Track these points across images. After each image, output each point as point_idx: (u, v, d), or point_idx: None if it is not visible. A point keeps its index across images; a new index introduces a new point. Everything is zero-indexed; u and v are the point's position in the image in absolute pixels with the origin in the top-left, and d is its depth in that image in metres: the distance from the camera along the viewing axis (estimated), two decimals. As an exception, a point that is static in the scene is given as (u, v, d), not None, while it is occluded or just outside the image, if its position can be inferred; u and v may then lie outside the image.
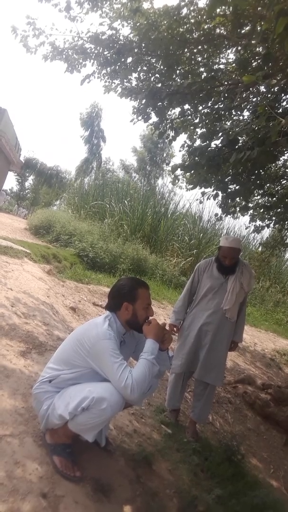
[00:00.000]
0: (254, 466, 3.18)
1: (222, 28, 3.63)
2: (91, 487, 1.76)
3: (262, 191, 5.05)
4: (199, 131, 4.43)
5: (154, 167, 32.15)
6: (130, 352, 2.11)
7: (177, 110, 4.35)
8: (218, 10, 3.36)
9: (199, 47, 3.85)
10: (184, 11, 3.64)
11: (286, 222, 5.71)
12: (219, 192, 4.47)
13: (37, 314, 3.52)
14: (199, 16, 3.63)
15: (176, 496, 2.11)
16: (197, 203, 12.61)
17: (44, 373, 1.94)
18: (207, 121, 4.26)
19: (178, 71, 4.01)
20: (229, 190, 4.38)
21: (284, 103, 3.84)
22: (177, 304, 3.22)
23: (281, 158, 4.67)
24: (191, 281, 3.18)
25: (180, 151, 4.40)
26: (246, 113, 4.41)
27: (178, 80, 4.01)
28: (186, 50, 3.84)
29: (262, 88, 3.70)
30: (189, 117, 4.38)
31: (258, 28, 3.17)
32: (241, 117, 4.45)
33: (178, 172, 4.61)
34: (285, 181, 5.11)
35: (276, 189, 5.17)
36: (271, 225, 5.75)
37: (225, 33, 3.63)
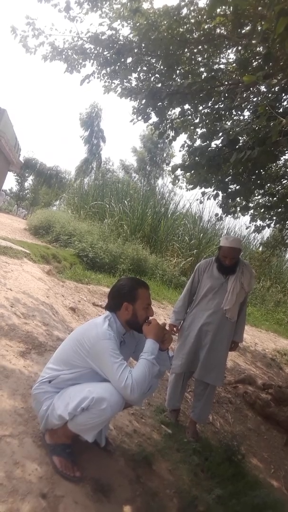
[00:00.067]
0: (254, 466, 3.18)
1: (223, 28, 3.62)
2: (91, 487, 1.76)
3: (262, 191, 5.05)
4: (199, 131, 4.43)
5: (154, 167, 32.16)
6: (130, 352, 2.10)
7: (177, 110, 4.34)
8: (218, 10, 3.35)
9: (199, 47, 3.84)
10: (184, 11, 3.63)
11: (287, 222, 5.71)
12: (220, 192, 4.46)
13: (37, 315, 3.52)
14: (199, 16, 3.62)
15: (176, 496, 2.11)
16: (197, 203, 12.62)
17: (44, 373, 1.94)
18: (207, 121, 4.26)
19: (178, 71, 4.01)
20: (230, 190, 4.38)
21: (285, 103, 3.83)
22: (177, 304, 3.22)
23: (281, 158, 4.66)
24: (191, 281, 3.18)
25: (180, 151, 4.40)
26: (246, 113, 4.41)
27: (178, 80, 4.00)
28: (186, 50, 3.84)
29: (263, 88, 3.70)
30: (189, 117, 4.38)
31: (259, 28, 3.17)
32: (241, 117, 4.44)
33: (178, 172, 4.61)
34: (285, 181, 5.11)
35: (277, 189, 5.17)
36: (272, 225, 5.75)
37: (225, 33, 3.63)
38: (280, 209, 5.07)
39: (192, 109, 4.21)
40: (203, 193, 4.75)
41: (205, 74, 3.88)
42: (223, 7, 3.26)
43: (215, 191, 4.50)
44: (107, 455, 2.07)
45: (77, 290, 5.67)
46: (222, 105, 4.13)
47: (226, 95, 3.90)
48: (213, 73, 3.74)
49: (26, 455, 1.73)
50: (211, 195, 4.66)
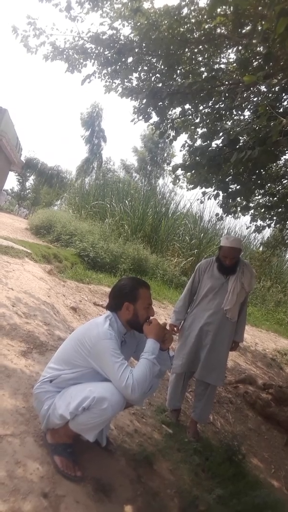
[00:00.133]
0: (255, 466, 3.18)
1: (223, 27, 3.62)
2: (92, 487, 1.76)
3: (263, 190, 5.05)
4: (199, 130, 4.43)
5: (155, 167, 32.15)
6: (131, 352, 2.10)
7: (178, 109, 4.34)
8: (218, 9, 3.35)
9: (200, 46, 3.84)
10: (185, 10, 3.64)
11: (287, 222, 5.71)
12: (220, 192, 4.47)
13: (38, 314, 3.53)
14: (200, 16, 3.62)
15: (177, 496, 2.11)
16: (198, 203, 12.61)
17: (45, 373, 1.94)
18: (207, 120, 4.26)
19: (178, 71, 4.01)
20: (230, 190, 4.38)
21: (285, 102, 3.83)
22: (177, 304, 3.22)
23: (282, 158, 4.66)
24: (191, 281, 3.18)
25: (180, 151, 4.40)
26: (247, 113, 4.41)
27: (179, 80, 4.01)
28: (186, 50, 3.84)
29: (263, 88, 3.70)
30: (190, 117, 4.38)
31: (259, 28, 3.17)
32: (242, 117, 4.44)
33: (179, 172, 4.62)
34: (286, 181, 5.11)
35: (277, 188, 5.17)
36: (272, 225, 5.74)
37: (225, 32, 3.63)
38: (280, 209, 5.07)
39: (192, 109, 4.22)
40: (204, 193, 4.75)
41: (205, 74, 3.88)
42: (224, 7, 3.26)
43: (216, 191, 4.50)
44: (108, 455, 2.07)
45: (78, 289, 5.67)
46: (223, 105, 4.13)
47: (227, 95, 3.90)
48: (213, 73, 3.74)
49: (27, 454, 1.73)
50: (211, 195, 4.66)
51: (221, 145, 3.87)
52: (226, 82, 3.87)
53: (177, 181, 5.15)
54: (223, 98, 4.00)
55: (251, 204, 5.29)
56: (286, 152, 4.18)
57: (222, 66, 4.11)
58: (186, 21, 3.65)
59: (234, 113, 4.37)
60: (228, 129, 3.80)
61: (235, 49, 3.95)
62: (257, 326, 8.41)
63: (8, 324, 2.99)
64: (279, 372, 6.08)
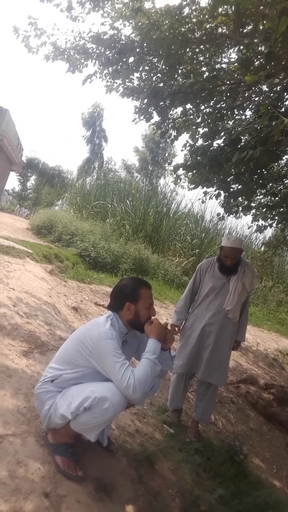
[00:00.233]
0: (256, 466, 3.18)
1: (224, 27, 3.62)
2: (93, 487, 1.76)
3: (264, 190, 5.04)
4: (201, 130, 4.43)
5: (156, 166, 32.17)
6: (132, 352, 2.10)
7: (179, 109, 4.34)
8: (220, 9, 3.35)
9: (201, 46, 3.84)
10: (186, 10, 3.63)
11: (289, 222, 5.70)
12: (221, 192, 4.46)
13: (39, 314, 3.53)
14: (201, 16, 3.62)
15: (179, 496, 2.11)
16: (199, 203, 12.63)
17: (46, 372, 1.94)
18: (209, 120, 4.25)
19: (180, 71, 4.00)
20: (232, 189, 4.37)
21: (287, 102, 3.82)
22: (179, 304, 3.21)
23: (283, 157, 4.65)
24: (193, 281, 3.17)
25: (182, 150, 4.40)
26: (248, 113, 4.40)
27: (180, 79, 4.00)
28: (188, 49, 3.83)
29: (265, 87, 3.69)
30: (191, 116, 4.38)
31: (261, 27, 3.16)
32: (243, 117, 4.43)
33: (180, 171, 4.61)
34: (287, 180, 5.10)
35: (279, 188, 5.16)
36: (274, 224, 5.74)
37: (227, 32, 3.62)
38: (282, 209, 5.07)
39: (194, 109, 4.21)
40: (205, 193, 4.74)
41: (207, 73, 3.88)
42: (225, 6, 3.25)
43: (217, 191, 4.49)
44: (109, 455, 2.08)
45: (79, 289, 5.68)
46: (224, 105, 4.12)
47: (228, 94, 3.89)
48: (215, 73, 3.74)
49: (28, 454, 1.73)
50: (213, 195, 4.65)
51: (222, 144, 3.86)
52: (228, 82, 3.87)
53: (179, 181, 5.14)
54: (224, 98, 4.00)
55: (252, 204, 5.28)
56: (288, 151, 4.17)
57: (224, 65, 4.11)
58: (187, 21, 3.65)
59: (236, 112, 4.36)
60: (230, 128, 3.79)
61: (236, 48, 3.94)
62: (258, 326, 8.40)
63: (10, 324, 2.99)
64: (280, 372, 6.07)
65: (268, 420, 4.13)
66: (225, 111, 4.20)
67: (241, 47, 3.75)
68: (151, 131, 6.15)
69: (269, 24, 2.60)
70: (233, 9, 3.17)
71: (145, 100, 4.04)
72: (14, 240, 6.81)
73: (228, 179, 4.31)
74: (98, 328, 1.84)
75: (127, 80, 4.22)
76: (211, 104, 4.13)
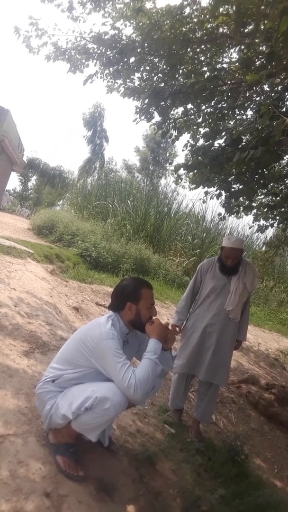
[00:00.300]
0: (257, 466, 3.17)
1: (225, 27, 3.61)
2: (94, 487, 1.76)
3: (265, 190, 5.03)
4: (202, 130, 4.43)
5: (157, 166, 32.18)
6: (133, 352, 2.10)
7: (180, 109, 4.34)
8: (221, 9, 3.34)
9: (202, 46, 3.84)
10: (187, 10, 3.63)
11: (290, 222, 5.69)
12: (223, 192, 4.46)
13: (40, 314, 3.53)
14: (202, 16, 3.62)
15: (180, 496, 2.11)
16: (200, 203, 12.58)
17: (47, 372, 1.94)
18: (210, 120, 4.25)
19: (181, 71, 4.00)
20: (233, 189, 4.37)
21: (288, 102, 3.82)
22: (179, 304, 3.21)
23: (284, 157, 4.64)
24: (193, 281, 3.17)
25: (183, 150, 4.40)
26: (249, 112, 4.40)
27: (181, 79, 4.00)
28: (189, 49, 3.83)
29: (266, 87, 3.69)
30: (192, 116, 4.38)
31: (262, 27, 3.16)
32: (244, 116, 4.43)
33: (181, 171, 4.61)
34: (288, 180, 5.09)
35: (280, 188, 5.15)
36: (275, 224, 5.73)
37: (228, 32, 3.62)
38: (283, 209, 5.06)
39: (195, 109, 4.21)
40: (206, 193, 4.74)
41: (208, 73, 3.87)
42: (226, 6, 3.25)
43: (218, 191, 4.49)
44: (110, 455, 2.08)
45: (80, 289, 5.68)
46: (225, 105, 4.12)
47: (229, 94, 3.89)
48: (216, 73, 3.73)
49: (30, 454, 1.73)
50: (214, 195, 4.65)
51: (223, 144, 3.86)
52: (229, 82, 3.86)
53: (180, 180, 5.14)
54: (225, 98, 3.99)
55: (253, 204, 5.27)
56: (289, 151, 4.17)
57: (225, 65, 4.11)
58: (188, 21, 3.65)
59: (237, 112, 4.36)
60: (231, 128, 3.79)
61: (237, 48, 3.94)
62: (260, 326, 8.39)
63: (11, 324, 3.00)
64: (282, 372, 6.06)
65: (269, 420, 4.12)
66: (226, 111, 4.19)
67: (242, 47, 3.75)
68: (152, 131, 6.15)
69: (270, 23, 2.60)
70: (234, 9, 3.16)
71: (146, 100, 4.05)
72: (15, 240, 6.82)
73: (229, 179, 4.30)
74: (99, 328, 1.84)
75: (128, 80, 4.22)
76: (212, 104, 4.12)
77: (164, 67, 3.99)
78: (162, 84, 4.09)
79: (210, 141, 4.00)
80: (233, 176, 4.25)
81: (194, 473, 2.41)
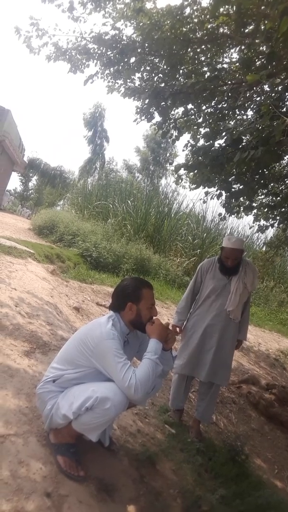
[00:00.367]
0: (258, 467, 3.17)
1: (226, 27, 3.62)
2: (95, 487, 1.76)
3: (266, 190, 5.04)
4: (202, 130, 4.43)
5: (158, 167, 32.19)
6: (134, 352, 2.11)
7: (181, 109, 4.35)
8: (221, 9, 3.35)
9: (203, 46, 3.84)
10: (187, 10, 3.63)
11: (291, 222, 5.69)
12: (223, 192, 4.46)
13: (41, 314, 3.53)
14: (203, 16, 3.62)
15: (180, 496, 2.11)
16: (201, 203, 12.54)
17: (48, 372, 1.94)
18: (210, 120, 4.26)
19: (181, 71, 4.01)
20: (233, 189, 4.37)
21: (288, 102, 3.82)
22: (180, 304, 3.20)
23: (285, 157, 4.65)
24: (193, 281, 3.17)
25: (183, 150, 4.40)
26: (250, 113, 4.40)
27: (182, 79, 4.00)
28: (189, 49, 3.83)
29: (266, 87, 3.69)
30: (193, 116, 4.38)
31: (262, 27, 3.16)
32: (244, 117, 4.44)
33: (182, 171, 4.62)
34: (289, 181, 5.09)
35: (280, 188, 5.15)
36: (275, 224, 5.73)
37: (228, 32, 3.62)
38: (283, 209, 5.06)
39: (195, 109, 4.22)
40: (207, 193, 4.75)
41: (208, 73, 3.88)
42: (226, 6, 3.25)
43: (219, 191, 4.49)
44: (111, 455, 2.08)
45: (81, 289, 5.68)
46: (226, 105, 4.12)
47: (230, 94, 3.89)
48: (216, 73, 3.74)
49: (30, 454, 1.73)
50: (214, 195, 4.65)
51: (224, 144, 3.86)
52: (229, 82, 3.87)
53: (180, 181, 5.15)
54: (226, 98, 4.00)
55: (254, 204, 5.27)
56: (289, 151, 4.16)
57: (225, 65, 4.11)
58: (188, 21, 3.65)
59: (237, 112, 4.36)
60: (231, 128, 3.79)
61: (238, 48, 3.94)
62: (260, 326, 8.39)
63: (11, 324, 3.00)
64: (282, 372, 6.06)
65: (270, 421, 4.12)
66: (226, 111, 4.20)
67: (243, 47, 3.75)
68: (152, 131, 6.15)
69: (271, 24, 2.60)
70: (234, 9, 3.17)
71: (147, 100, 4.05)
72: (16, 240, 6.82)
73: (230, 179, 4.31)
74: (100, 328, 1.85)
75: (128, 80, 4.22)
76: (213, 104, 4.13)
77: (165, 67, 3.99)
78: (163, 84, 4.09)
79: (211, 141, 4.00)
80: (234, 176, 4.25)
81: (195, 473, 2.41)
